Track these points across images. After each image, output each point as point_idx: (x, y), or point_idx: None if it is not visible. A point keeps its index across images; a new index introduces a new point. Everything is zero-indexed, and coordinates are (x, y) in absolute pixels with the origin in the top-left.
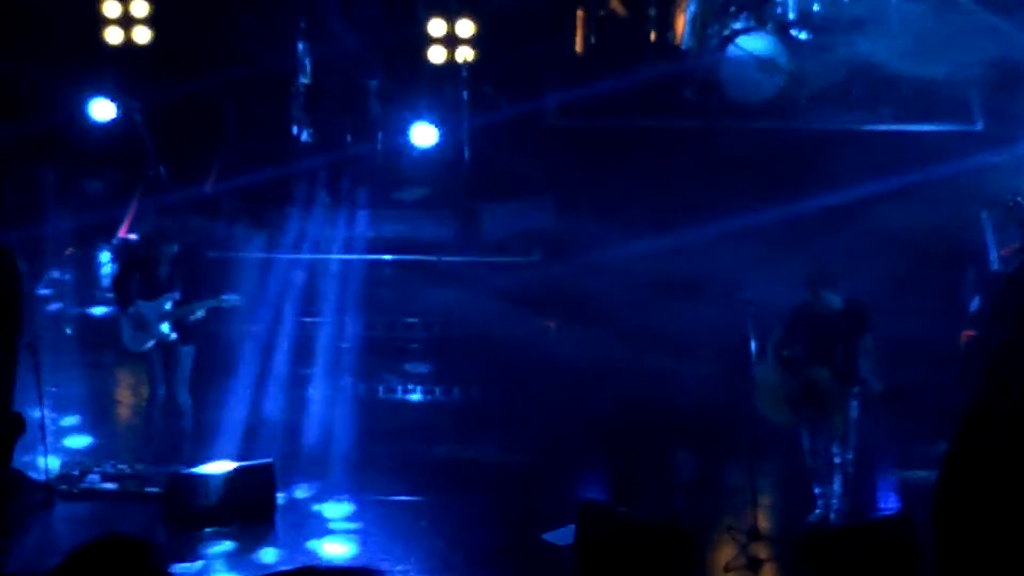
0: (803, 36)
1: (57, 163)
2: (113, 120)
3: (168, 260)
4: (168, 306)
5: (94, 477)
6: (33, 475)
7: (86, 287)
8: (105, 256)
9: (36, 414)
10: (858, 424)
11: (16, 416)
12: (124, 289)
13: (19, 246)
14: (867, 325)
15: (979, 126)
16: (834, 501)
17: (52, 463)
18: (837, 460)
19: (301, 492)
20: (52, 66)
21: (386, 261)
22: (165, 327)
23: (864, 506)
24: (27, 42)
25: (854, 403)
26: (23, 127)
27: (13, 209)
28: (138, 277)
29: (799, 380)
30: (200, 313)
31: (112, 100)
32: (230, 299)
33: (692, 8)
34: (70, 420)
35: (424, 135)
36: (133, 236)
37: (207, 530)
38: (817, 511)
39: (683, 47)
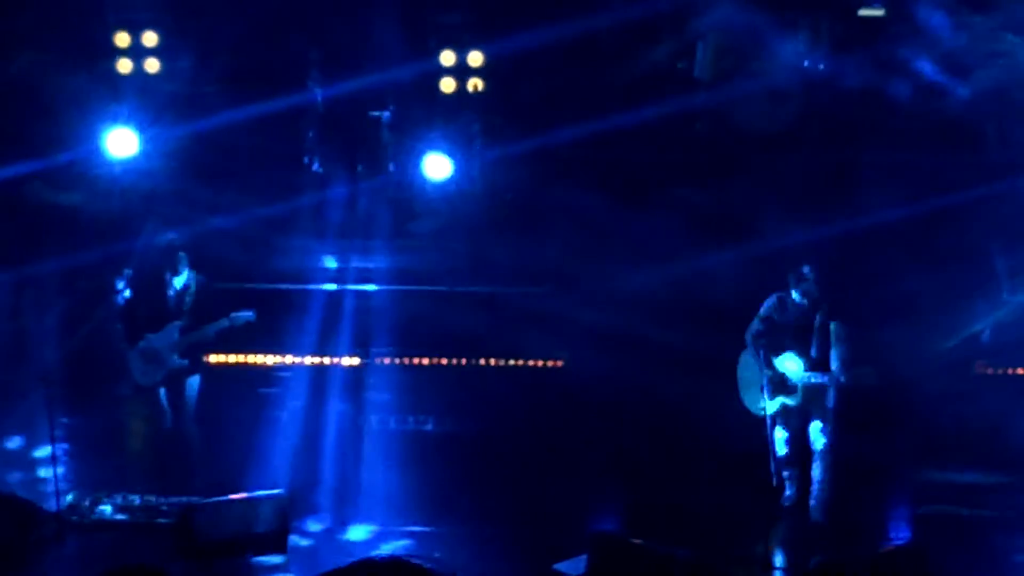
0: (819, 67)
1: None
2: (130, 152)
3: (176, 287)
4: (177, 334)
5: (105, 508)
6: (44, 506)
7: (97, 319)
8: (120, 285)
9: (48, 446)
10: (835, 413)
11: None
12: (132, 323)
13: (34, 280)
14: (834, 316)
15: (993, 155)
16: (814, 488)
17: (63, 495)
18: (818, 447)
19: (314, 523)
20: (69, 99)
21: (399, 291)
22: (176, 358)
23: (877, 536)
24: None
25: (831, 392)
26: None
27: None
28: (145, 307)
29: (773, 371)
30: (211, 334)
31: (131, 131)
32: (242, 316)
33: (705, 39)
34: (81, 451)
35: (437, 166)
36: (142, 266)
37: (219, 562)
38: (788, 493)
39: (696, 76)
